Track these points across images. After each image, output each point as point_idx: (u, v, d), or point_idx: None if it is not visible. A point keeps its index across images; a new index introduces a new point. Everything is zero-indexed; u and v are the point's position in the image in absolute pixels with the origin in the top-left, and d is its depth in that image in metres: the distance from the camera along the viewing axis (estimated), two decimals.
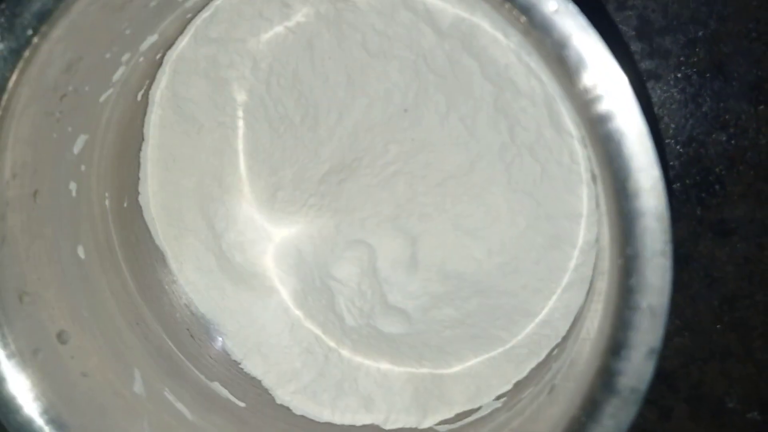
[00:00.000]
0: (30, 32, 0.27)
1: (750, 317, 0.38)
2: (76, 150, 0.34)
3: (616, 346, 0.25)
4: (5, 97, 0.28)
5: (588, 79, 0.23)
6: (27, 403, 0.30)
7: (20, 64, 0.28)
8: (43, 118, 0.31)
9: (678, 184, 0.37)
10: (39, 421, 0.30)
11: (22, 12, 0.27)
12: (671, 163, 0.38)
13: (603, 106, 0.22)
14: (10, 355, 0.30)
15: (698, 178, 0.37)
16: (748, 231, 0.38)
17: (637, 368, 0.25)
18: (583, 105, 0.23)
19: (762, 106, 0.37)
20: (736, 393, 0.39)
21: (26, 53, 0.28)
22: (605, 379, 0.25)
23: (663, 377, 0.39)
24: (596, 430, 0.25)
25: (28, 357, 0.30)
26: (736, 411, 0.39)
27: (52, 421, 0.30)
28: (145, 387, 0.35)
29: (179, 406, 0.36)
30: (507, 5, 0.24)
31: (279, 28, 0.36)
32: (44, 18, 0.27)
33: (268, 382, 0.40)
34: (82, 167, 0.34)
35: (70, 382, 0.32)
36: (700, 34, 0.37)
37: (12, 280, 0.30)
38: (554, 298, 0.36)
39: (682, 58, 0.37)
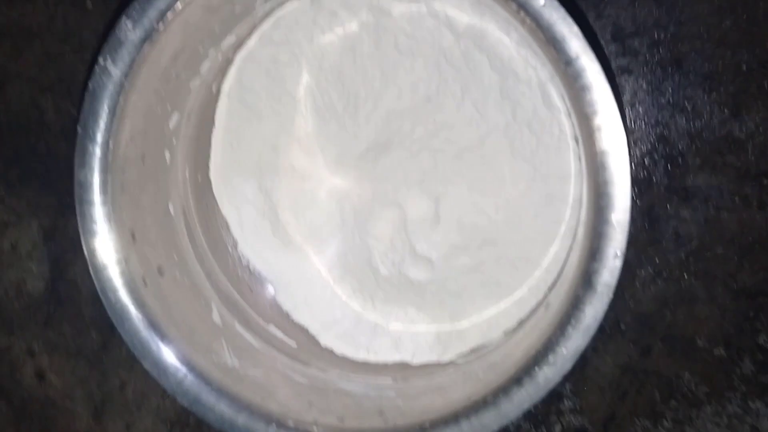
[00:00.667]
0: (153, 25, 0.34)
1: (712, 267, 0.43)
2: (170, 125, 0.40)
3: (592, 252, 0.32)
4: (132, 75, 0.35)
5: (568, 50, 0.31)
6: (137, 318, 0.37)
7: (144, 51, 0.35)
8: (152, 96, 0.37)
9: (648, 158, 0.43)
10: (145, 332, 0.37)
11: (149, 9, 0.34)
12: (642, 141, 0.44)
13: (577, 67, 0.31)
14: (127, 281, 0.37)
15: (664, 153, 0.43)
16: (707, 195, 0.43)
17: (609, 267, 0.32)
18: (563, 68, 0.31)
19: (714, 93, 0.42)
20: (703, 333, 0.44)
21: (149, 42, 0.35)
22: (585, 278, 0.32)
23: (642, 320, 0.44)
24: (579, 317, 0.32)
25: (140, 284, 0.37)
26: (704, 348, 0.44)
27: (156, 332, 0.37)
28: (221, 319, 0.41)
29: (247, 336, 0.42)
30: (510, 3, 0.33)
31: (328, 34, 0.42)
32: (164, 14, 0.34)
33: (313, 329, 0.45)
34: (174, 140, 0.41)
35: (169, 305, 0.38)
36: (663, 36, 0.42)
37: (128, 221, 0.37)
38: (550, 247, 0.41)
39: (648, 56, 0.42)
